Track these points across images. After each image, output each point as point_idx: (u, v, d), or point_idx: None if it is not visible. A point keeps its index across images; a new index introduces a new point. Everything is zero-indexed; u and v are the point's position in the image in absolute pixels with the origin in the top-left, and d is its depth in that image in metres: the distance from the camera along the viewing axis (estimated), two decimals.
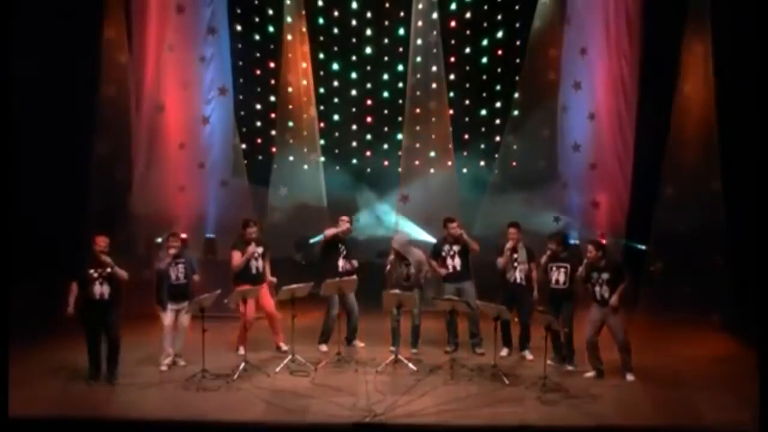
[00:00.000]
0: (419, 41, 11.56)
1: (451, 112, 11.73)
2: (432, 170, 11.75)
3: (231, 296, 8.73)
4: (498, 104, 12.88)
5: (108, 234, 8.42)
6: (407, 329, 9.48)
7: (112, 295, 8.20)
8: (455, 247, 9.40)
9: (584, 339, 8.55)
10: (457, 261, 9.36)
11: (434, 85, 11.52)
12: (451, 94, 11.85)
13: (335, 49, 12.96)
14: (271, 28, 12.66)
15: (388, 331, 9.46)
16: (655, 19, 11.35)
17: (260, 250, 9.27)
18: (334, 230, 9.61)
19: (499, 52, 12.82)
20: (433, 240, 10.44)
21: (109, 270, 8.15)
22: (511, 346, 9.42)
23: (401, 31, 12.51)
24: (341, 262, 9.53)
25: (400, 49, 12.43)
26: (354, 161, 13.27)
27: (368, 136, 13.26)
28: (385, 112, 13.09)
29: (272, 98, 12.57)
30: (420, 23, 11.50)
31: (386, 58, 12.97)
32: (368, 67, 13.08)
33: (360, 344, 9.56)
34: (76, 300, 8.18)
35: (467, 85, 12.88)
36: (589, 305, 8.63)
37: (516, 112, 12.06)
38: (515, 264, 9.14)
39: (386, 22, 12.88)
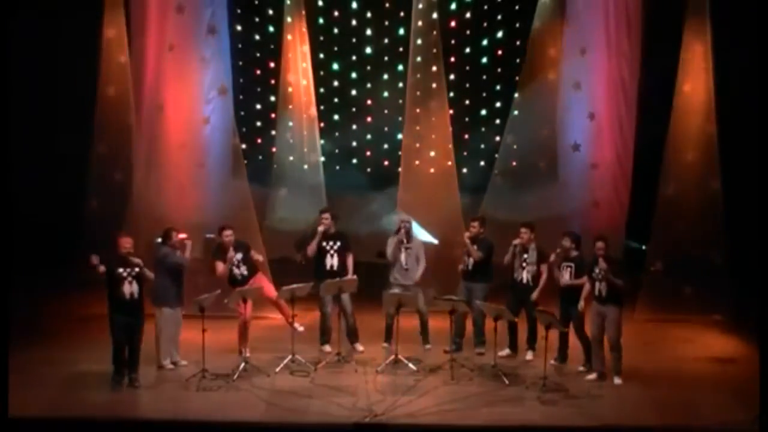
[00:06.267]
0: (419, 41, 11.54)
1: (451, 112, 11.72)
2: (432, 170, 11.74)
3: (231, 296, 8.72)
4: (498, 104, 12.88)
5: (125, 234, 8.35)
6: (406, 328, 9.47)
7: (141, 295, 8.11)
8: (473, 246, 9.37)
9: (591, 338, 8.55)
10: (470, 261, 9.33)
11: (434, 85, 11.48)
12: (451, 94, 11.82)
13: (335, 49, 12.94)
14: (271, 28, 12.65)
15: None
16: (655, 19, 11.36)
17: (240, 256, 9.05)
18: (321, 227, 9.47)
19: (499, 52, 12.82)
20: (434, 240, 10.42)
21: (137, 269, 8.07)
22: (516, 349, 9.31)
23: (401, 31, 12.50)
24: (329, 260, 9.38)
25: (400, 49, 12.41)
26: (354, 161, 13.25)
27: (368, 136, 13.23)
28: (385, 112, 13.07)
29: (272, 98, 12.55)
30: (420, 23, 11.48)
31: (386, 58, 12.96)
32: (368, 67, 13.08)
33: (359, 348, 9.52)
34: (102, 274, 7.92)
35: (467, 85, 12.88)
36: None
37: (516, 112, 12.05)
38: (524, 264, 9.08)
39: (386, 22, 12.88)
